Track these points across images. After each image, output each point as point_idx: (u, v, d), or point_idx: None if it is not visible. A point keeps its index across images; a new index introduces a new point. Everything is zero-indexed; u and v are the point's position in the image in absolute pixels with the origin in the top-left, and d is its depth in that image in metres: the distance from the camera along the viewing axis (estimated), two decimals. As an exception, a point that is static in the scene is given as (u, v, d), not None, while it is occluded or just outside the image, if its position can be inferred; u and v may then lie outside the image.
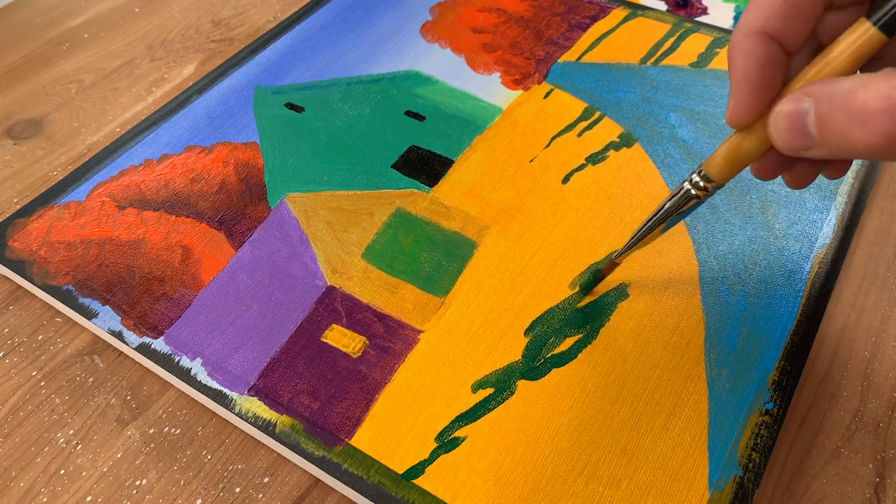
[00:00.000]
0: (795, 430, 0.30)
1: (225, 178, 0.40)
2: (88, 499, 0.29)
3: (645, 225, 0.28)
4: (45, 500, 0.29)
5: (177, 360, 0.32)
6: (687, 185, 0.26)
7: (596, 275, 0.33)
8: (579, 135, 0.41)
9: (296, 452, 0.29)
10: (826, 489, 0.28)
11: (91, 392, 0.32)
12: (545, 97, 0.43)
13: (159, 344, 0.32)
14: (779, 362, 0.31)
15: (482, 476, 0.28)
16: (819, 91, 0.20)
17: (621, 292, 0.33)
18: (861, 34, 0.20)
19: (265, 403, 0.30)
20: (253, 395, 0.31)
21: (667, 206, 0.27)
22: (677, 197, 0.27)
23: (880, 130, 0.17)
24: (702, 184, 0.26)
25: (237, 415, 0.30)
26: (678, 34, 0.47)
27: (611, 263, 0.32)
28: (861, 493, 0.28)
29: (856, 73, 0.21)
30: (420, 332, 0.32)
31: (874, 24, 0.20)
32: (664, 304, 0.33)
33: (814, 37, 0.23)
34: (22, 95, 0.47)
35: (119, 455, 0.30)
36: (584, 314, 0.33)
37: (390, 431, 0.29)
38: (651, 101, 0.42)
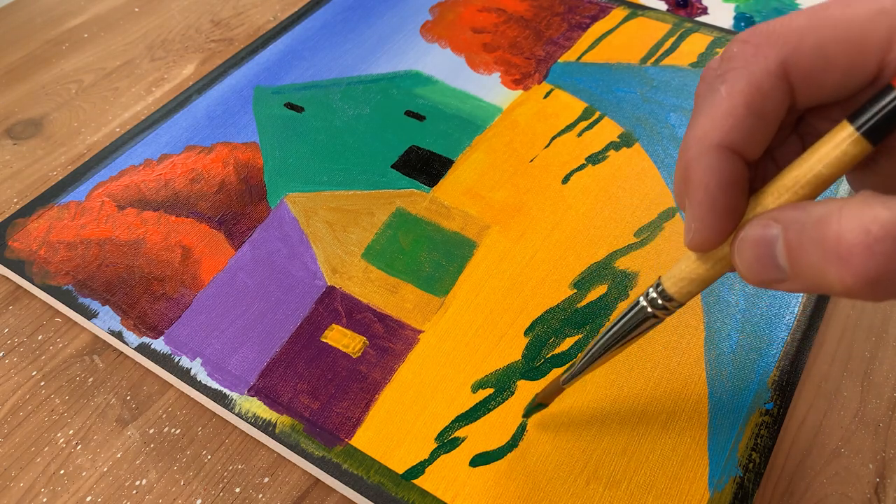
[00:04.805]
0: (795, 430, 0.30)
1: (225, 178, 0.40)
2: (88, 499, 0.29)
3: (596, 345, 0.24)
4: (45, 500, 0.29)
5: (177, 360, 0.32)
6: (643, 303, 0.22)
7: (539, 407, 0.29)
8: (579, 135, 0.41)
9: (296, 452, 0.29)
10: (826, 489, 0.28)
11: (91, 392, 0.32)
12: (545, 97, 0.43)
13: (159, 344, 0.32)
14: (779, 362, 0.31)
15: (482, 476, 0.28)
16: (788, 217, 0.17)
17: (621, 292, 0.33)
18: (842, 141, 0.17)
19: (265, 403, 0.30)
20: (253, 395, 0.31)
21: (621, 325, 0.23)
22: (632, 315, 0.23)
23: (858, 270, 0.15)
24: (661, 302, 0.22)
25: (237, 415, 0.30)
26: (678, 34, 0.47)
27: (557, 388, 0.27)
28: (861, 493, 0.28)
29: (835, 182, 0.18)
30: (420, 332, 0.32)
31: (858, 129, 0.16)
32: (664, 304, 0.33)
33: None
34: (22, 95, 0.47)
35: (119, 455, 0.30)
36: (584, 314, 0.33)
37: (390, 431, 0.29)
38: (651, 101, 0.42)
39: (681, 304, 0.21)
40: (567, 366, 0.25)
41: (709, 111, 0.18)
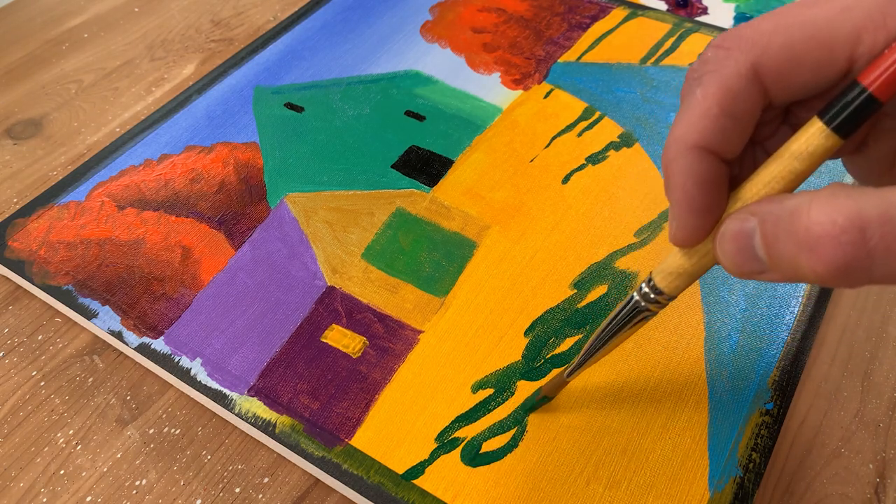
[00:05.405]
0: (795, 430, 0.30)
1: (225, 178, 0.40)
2: (88, 499, 0.29)
3: (595, 339, 0.25)
4: (44, 500, 0.29)
5: (177, 360, 0.32)
6: (637, 297, 0.23)
7: (542, 400, 0.29)
8: (579, 135, 0.41)
9: (296, 453, 0.29)
10: (826, 489, 0.28)
11: (91, 392, 0.32)
12: (545, 97, 0.43)
13: (159, 344, 0.32)
14: (779, 362, 0.31)
15: (482, 476, 0.28)
16: (764, 210, 0.17)
17: (621, 292, 0.33)
18: (813, 136, 0.18)
19: (265, 403, 0.30)
20: (253, 396, 0.31)
21: (617, 320, 0.24)
22: (627, 309, 0.24)
23: (827, 259, 0.15)
24: (653, 296, 0.22)
25: (237, 415, 0.30)
26: (678, 34, 0.47)
27: (561, 382, 0.28)
28: (861, 493, 0.28)
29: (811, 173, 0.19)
30: (420, 332, 0.32)
31: (827, 125, 0.17)
32: (664, 305, 0.33)
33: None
34: (22, 95, 0.47)
35: (119, 455, 0.30)
36: (584, 314, 0.33)
37: (390, 432, 0.29)
38: (651, 101, 0.42)
39: (672, 298, 0.22)
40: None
41: (685, 113, 0.19)
